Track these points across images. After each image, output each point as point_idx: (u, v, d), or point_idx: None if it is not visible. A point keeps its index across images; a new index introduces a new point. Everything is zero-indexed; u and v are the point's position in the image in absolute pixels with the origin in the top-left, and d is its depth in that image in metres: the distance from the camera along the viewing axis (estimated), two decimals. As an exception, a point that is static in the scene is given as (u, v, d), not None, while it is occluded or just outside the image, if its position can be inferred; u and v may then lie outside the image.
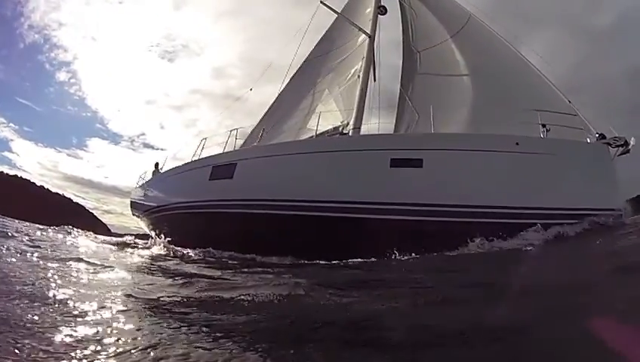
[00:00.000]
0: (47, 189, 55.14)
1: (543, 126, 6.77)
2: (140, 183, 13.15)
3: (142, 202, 12.53)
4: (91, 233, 14.60)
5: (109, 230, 23.27)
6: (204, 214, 8.83)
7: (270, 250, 6.98)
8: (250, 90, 14.29)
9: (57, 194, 54.43)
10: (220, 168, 8.57)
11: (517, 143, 6.53)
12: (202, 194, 8.97)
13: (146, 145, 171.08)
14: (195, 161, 9.97)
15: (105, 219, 43.13)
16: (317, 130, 8.78)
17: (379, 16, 12.49)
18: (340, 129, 9.90)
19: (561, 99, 8.03)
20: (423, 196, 6.39)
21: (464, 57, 10.00)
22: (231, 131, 9.31)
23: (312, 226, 6.80)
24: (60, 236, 10.21)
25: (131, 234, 14.56)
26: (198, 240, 8.55)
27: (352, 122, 9.71)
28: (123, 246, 9.97)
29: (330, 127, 10.27)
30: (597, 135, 6.93)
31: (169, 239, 9.61)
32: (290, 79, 14.44)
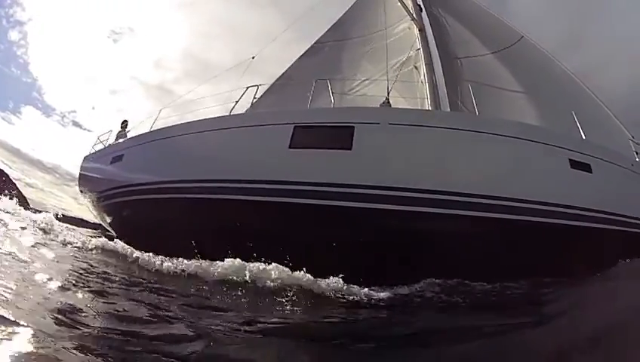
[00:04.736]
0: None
1: (637, 153, 7.19)
2: (99, 148, 8.92)
3: (102, 177, 8.44)
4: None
5: (29, 204, 17.63)
6: (267, 205, 5.71)
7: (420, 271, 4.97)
8: (253, 58, 11.63)
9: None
10: (319, 131, 5.83)
11: (632, 164, 6.76)
12: (269, 171, 5.84)
13: (75, 124, 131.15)
14: (247, 114, 6.70)
15: (26, 192, 29.90)
16: None
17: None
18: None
19: (624, 132, 8.72)
20: (597, 203, 5.88)
21: (517, 74, 10.07)
22: (316, 81, 6.76)
23: (493, 230, 5.34)
24: None
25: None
26: (237, 248, 5.18)
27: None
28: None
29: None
30: None
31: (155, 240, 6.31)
32: (294, 63, 12.51)
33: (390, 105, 6.97)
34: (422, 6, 12.12)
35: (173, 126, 7.45)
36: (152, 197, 7.13)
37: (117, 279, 4.51)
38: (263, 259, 5.00)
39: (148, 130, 7.92)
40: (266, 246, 5.16)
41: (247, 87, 7.02)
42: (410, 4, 11.77)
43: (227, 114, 6.81)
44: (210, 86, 13.15)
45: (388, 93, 7.24)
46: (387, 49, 9.19)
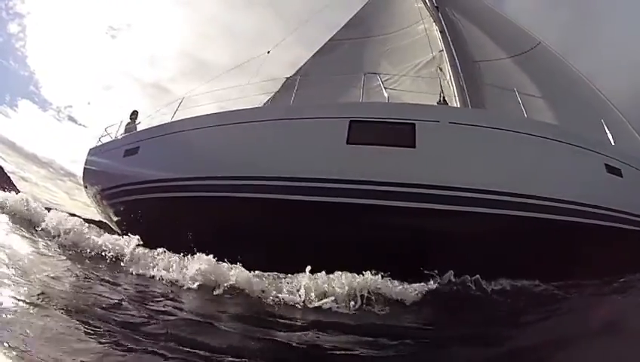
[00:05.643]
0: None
1: None
2: (106, 140, 8.05)
3: (112, 172, 7.63)
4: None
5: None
6: (326, 207, 5.30)
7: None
8: (268, 52, 11.08)
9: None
10: (378, 127, 5.53)
11: None
12: (325, 169, 5.39)
13: (71, 119, 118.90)
14: (291, 106, 6.30)
15: (19, 185, 26.22)
16: None
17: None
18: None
19: (637, 138, 8.95)
20: (627, 206, 6.08)
21: (536, 79, 10.15)
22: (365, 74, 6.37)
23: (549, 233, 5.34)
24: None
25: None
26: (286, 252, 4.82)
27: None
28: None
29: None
30: None
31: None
32: (309, 60, 12.11)
33: (447, 104, 6.75)
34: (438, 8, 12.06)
35: (201, 116, 6.81)
36: (177, 195, 6.44)
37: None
38: (321, 265, 4.54)
39: (169, 121, 7.21)
40: (328, 250, 4.72)
41: (287, 78, 6.53)
42: (421, 7, 11.68)
43: (268, 105, 6.30)
44: (209, 85, 12.56)
45: (441, 91, 7.02)
46: (430, 44, 9.01)
